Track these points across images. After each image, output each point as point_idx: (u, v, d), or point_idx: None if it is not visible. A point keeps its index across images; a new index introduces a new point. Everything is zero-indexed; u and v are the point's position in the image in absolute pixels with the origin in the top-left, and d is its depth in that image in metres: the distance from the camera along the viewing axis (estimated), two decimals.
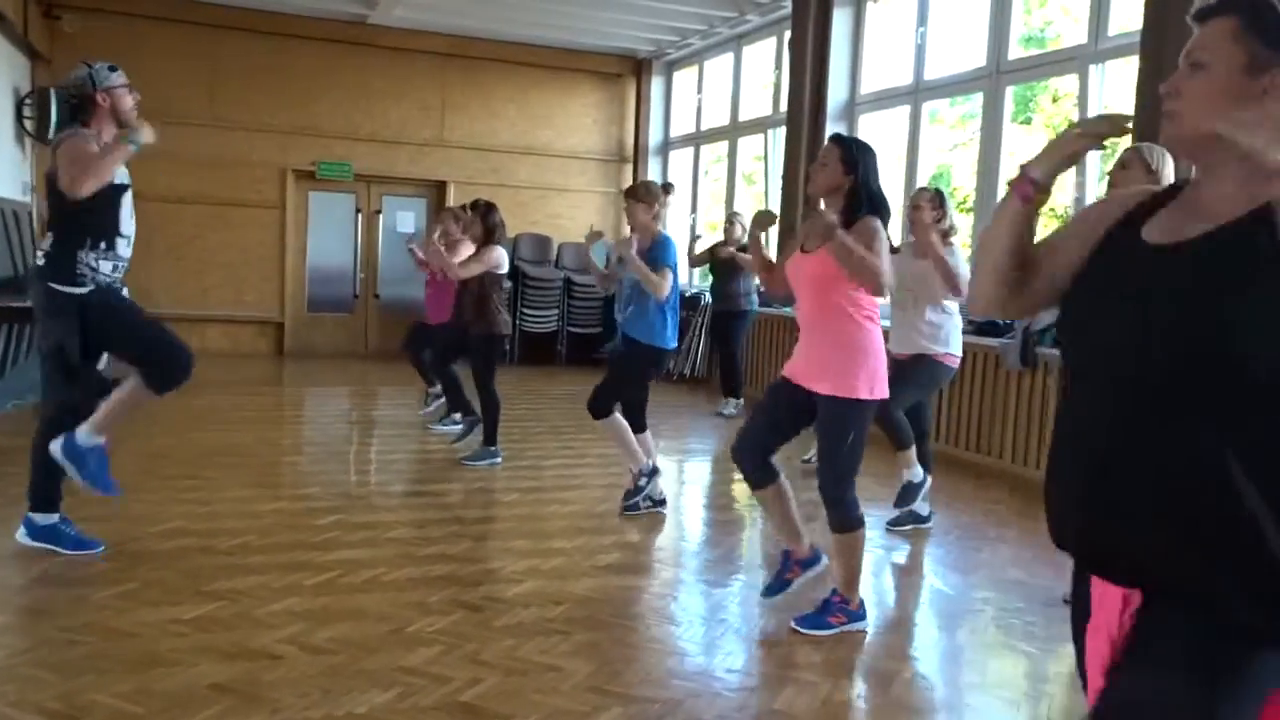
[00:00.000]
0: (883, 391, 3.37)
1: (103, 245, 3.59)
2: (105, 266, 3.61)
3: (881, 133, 8.69)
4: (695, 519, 5.27)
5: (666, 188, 4.88)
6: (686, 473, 6.52)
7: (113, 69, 3.67)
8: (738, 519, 5.25)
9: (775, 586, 3.60)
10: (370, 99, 11.11)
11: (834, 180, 3.33)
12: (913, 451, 4.78)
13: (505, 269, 6.02)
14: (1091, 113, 6.31)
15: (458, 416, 6.81)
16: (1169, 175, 3.62)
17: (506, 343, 6.07)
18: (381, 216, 11.51)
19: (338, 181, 11.13)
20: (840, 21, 8.51)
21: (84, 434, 3.68)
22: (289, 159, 10.90)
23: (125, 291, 3.78)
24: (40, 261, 3.61)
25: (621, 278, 4.92)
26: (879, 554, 4.55)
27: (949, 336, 4.66)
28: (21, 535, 3.75)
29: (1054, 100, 12.52)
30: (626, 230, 4.97)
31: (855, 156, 3.33)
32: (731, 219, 8.32)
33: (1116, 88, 6.28)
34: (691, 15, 9.98)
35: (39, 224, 8.33)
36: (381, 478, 5.70)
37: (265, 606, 3.38)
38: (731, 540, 4.76)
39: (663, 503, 4.95)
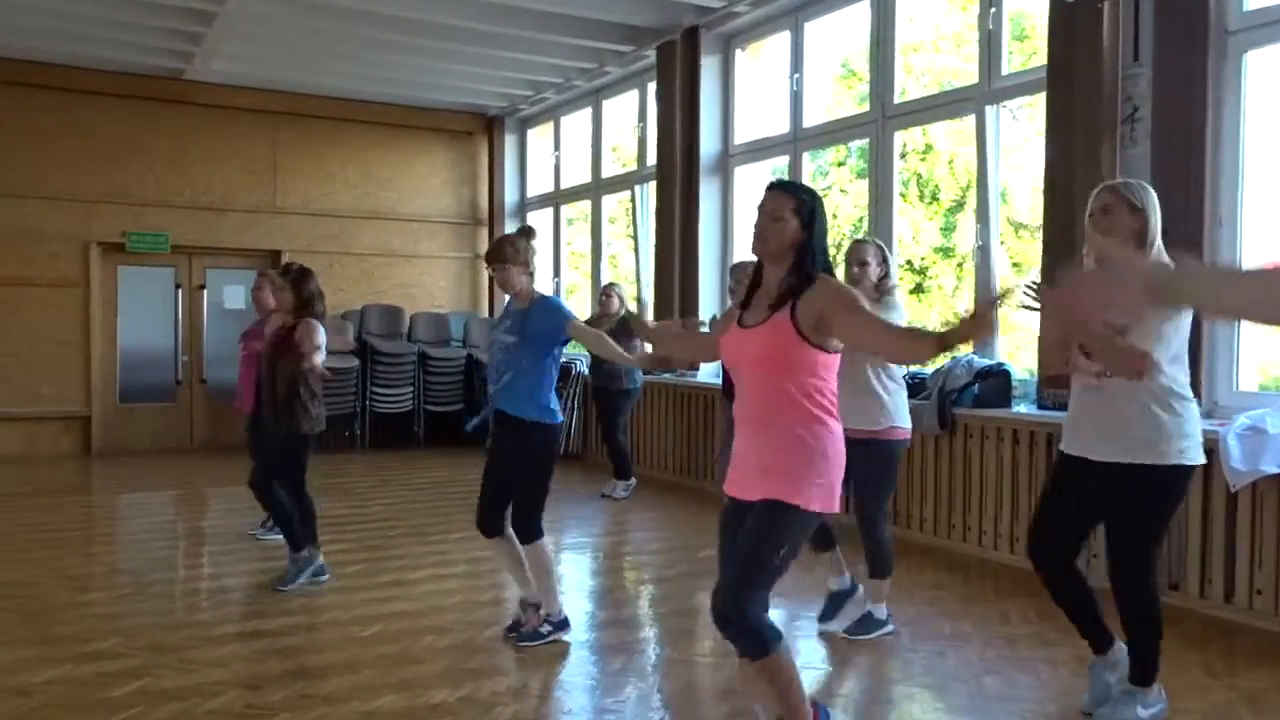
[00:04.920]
0: (834, 505, 2.66)
1: None
2: None
3: (756, 185, 8.22)
4: (599, 638, 4.36)
5: (527, 233, 4.11)
6: (571, 571, 5.64)
7: None
8: (643, 639, 4.40)
9: None
10: (189, 162, 9.91)
11: (791, 237, 2.64)
12: (888, 583, 4.12)
13: (323, 350, 4.84)
14: (990, 154, 5.92)
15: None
16: (1155, 210, 3.11)
17: (313, 443, 4.90)
18: (206, 292, 10.25)
19: (152, 255, 9.83)
20: (709, 70, 8.02)
21: None
22: (93, 230, 9.55)
23: None
24: None
25: (493, 341, 4.09)
26: (825, 671, 3.81)
27: (896, 409, 4.00)
28: None
29: (902, 156, 12.57)
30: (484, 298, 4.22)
31: (812, 206, 2.67)
32: (609, 291, 7.61)
33: (1013, 128, 5.94)
34: (546, 67, 9.32)
35: None
36: (205, 615, 4.53)
37: None
38: (637, 665, 3.91)
39: (565, 625, 4.09)
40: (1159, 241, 3.08)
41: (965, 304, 10.66)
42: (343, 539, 5.79)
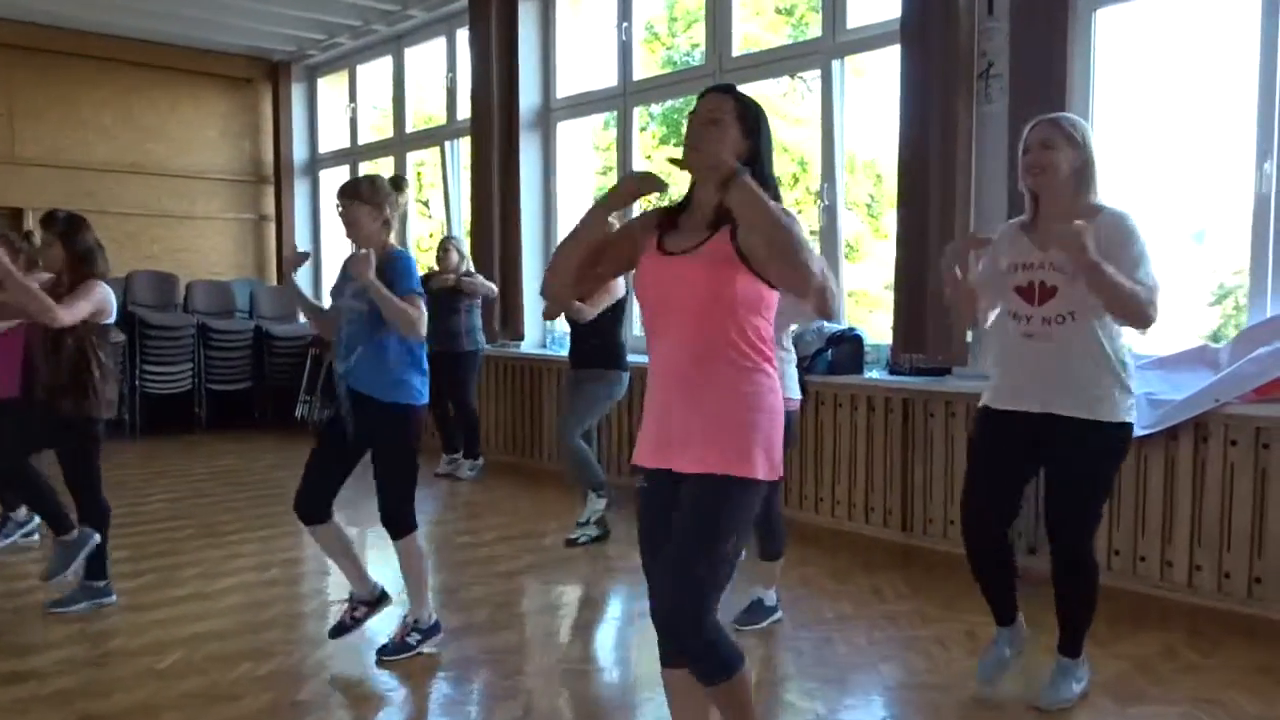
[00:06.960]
0: (778, 470, 2.22)
1: None
2: None
3: (580, 141, 7.77)
4: (455, 648, 3.79)
5: (398, 183, 3.49)
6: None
7: None
8: (504, 646, 3.89)
9: None
10: None
11: (731, 145, 2.18)
12: (779, 566, 3.84)
13: (113, 316, 4.05)
14: (836, 111, 5.71)
15: (37, 522, 4.91)
16: (1094, 149, 2.90)
17: (105, 427, 3.99)
18: None
19: None
20: (527, 17, 7.44)
21: None
22: None
23: None
24: None
25: (342, 312, 3.44)
26: None
27: (786, 378, 3.66)
28: None
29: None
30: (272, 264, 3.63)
31: (756, 117, 2.23)
32: (447, 245, 6.90)
33: (856, 82, 5.77)
34: (341, 8, 8.39)
35: None
36: None
37: None
38: (507, 680, 3.41)
39: (436, 629, 3.58)
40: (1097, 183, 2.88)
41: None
42: (120, 545, 4.88)
